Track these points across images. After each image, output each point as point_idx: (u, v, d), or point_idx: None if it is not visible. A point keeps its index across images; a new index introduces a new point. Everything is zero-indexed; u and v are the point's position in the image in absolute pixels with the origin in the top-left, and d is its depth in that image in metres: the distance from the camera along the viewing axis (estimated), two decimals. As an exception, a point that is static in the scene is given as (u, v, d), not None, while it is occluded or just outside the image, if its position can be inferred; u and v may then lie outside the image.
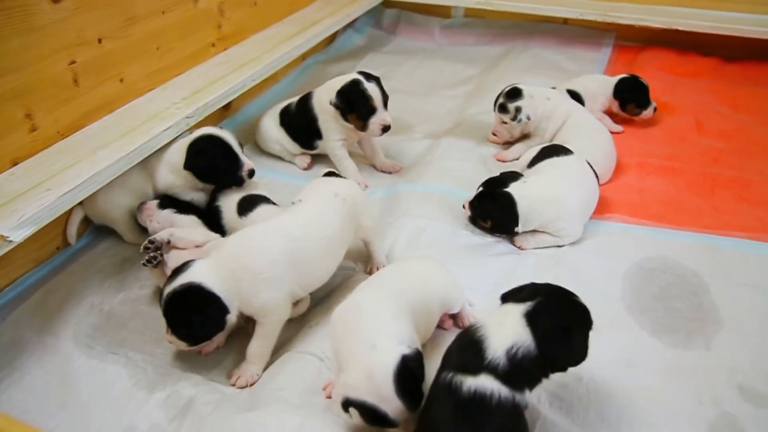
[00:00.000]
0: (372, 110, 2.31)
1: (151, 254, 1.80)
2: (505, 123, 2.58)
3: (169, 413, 1.55)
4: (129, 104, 2.30)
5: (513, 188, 2.08)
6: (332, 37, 3.75)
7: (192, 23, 2.60)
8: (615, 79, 2.87)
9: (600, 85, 2.87)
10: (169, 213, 2.03)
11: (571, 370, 1.62)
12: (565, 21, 3.78)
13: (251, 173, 2.11)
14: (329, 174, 1.97)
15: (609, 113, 2.88)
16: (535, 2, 3.61)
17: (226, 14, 2.80)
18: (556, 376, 1.58)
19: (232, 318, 1.61)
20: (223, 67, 2.65)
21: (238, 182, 2.10)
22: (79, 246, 2.16)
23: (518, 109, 2.52)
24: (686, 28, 3.35)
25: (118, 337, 1.79)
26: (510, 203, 2.05)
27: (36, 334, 1.79)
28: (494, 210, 2.10)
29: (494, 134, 2.65)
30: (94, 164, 1.92)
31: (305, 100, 2.52)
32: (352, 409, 1.36)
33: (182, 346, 1.61)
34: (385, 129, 2.33)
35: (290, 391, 1.58)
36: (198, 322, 1.58)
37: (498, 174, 2.21)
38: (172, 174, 2.12)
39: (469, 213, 2.18)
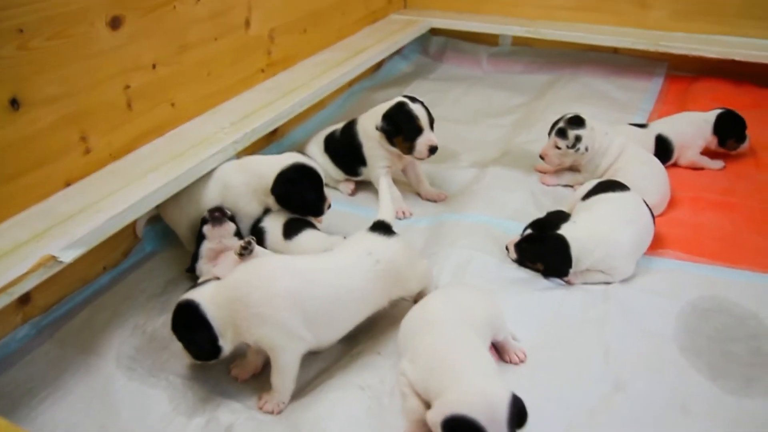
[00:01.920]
0: (418, 131, 2.29)
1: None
2: (559, 149, 2.47)
3: (208, 439, 1.54)
4: (179, 128, 2.34)
5: (564, 229, 2.02)
6: (379, 64, 3.77)
7: (242, 49, 2.65)
8: (712, 117, 2.74)
9: (697, 128, 2.73)
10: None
11: (622, 408, 1.58)
12: (615, 50, 3.71)
13: (329, 206, 2.14)
14: (377, 225, 1.83)
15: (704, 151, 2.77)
16: (584, 31, 3.57)
17: (276, 41, 2.85)
18: (601, 416, 1.52)
19: (226, 346, 1.59)
20: (271, 93, 2.68)
21: (319, 213, 2.12)
22: (125, 266, 2.19)
23: (578, 138, 2.44)
24: (742, 59, 3.26)
25: (160, 359, 1.79)
26: (563, 247, 1.98)
27: (80, 353, 1.81)
28: (546, 253, 2.03)
29: (542, 157, 2.54)
30: (144, 187, 1.95)
31: (350, 127, 2.53)
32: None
33: (189, 359, 1.64)
34: (432, 150, 2.30)
35: (329, 421, 1.55)
36: (188, 340, 1.61)
37: (545, 214, 2.17)
38: (251, 195, 2.12)
39: (514, 255, 2.12)
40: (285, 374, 1.61)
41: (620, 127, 2.76)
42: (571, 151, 2.44)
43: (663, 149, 2.67)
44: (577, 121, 2.46)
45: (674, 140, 2.71)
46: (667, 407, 1.60)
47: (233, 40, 2.58)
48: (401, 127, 2.31)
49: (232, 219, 2.04)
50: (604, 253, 2.00)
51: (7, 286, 1.56)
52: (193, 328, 1.59)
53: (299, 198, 2.09)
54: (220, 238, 1.99)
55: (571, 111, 2.51)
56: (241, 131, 2.32)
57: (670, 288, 2.00)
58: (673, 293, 1.97)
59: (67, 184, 1.97)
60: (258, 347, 1.62)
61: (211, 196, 2.14)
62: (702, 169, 2.73)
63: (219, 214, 1.99)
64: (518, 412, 1.35)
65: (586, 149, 2.43)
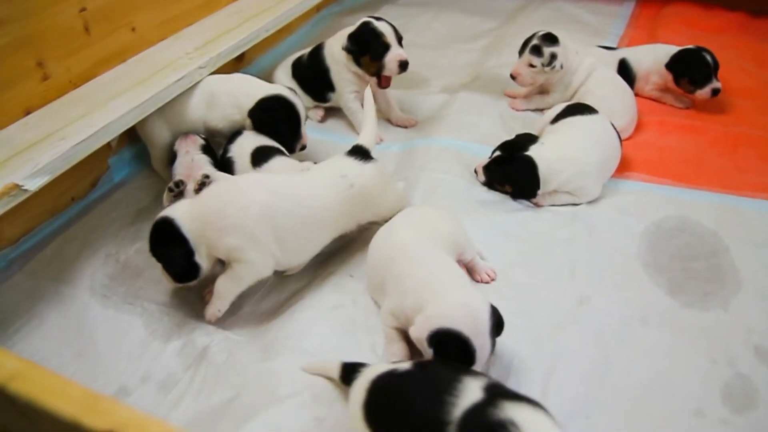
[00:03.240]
0: (386, 47, 2.26)
1: (174, 197, 1.81)
2: (534, 67, 2.41)
3: (185, 362, 1.57)
4: (141, 54, 2.26)
5: (532, 151, 2.03)
6: (347, -12, 3.66)
7: (204, -29, 2.54)
8: (670, 51, 2.62)
9: (656, 61, 2.64)
10: (205, 160, 2.00)
11: (586, 321, 1.65)
12: (587, -27, 3.64)
13: (303, 148, 2.13)
14: (355, 149, 1.81)
15: (669, 90, 2.66)
16: (556, -48, 3.49)
17: (239, -38, 2.73)
18: (567, 328, 1.59)
19: (202, 262, 1.60)
20: (236, 17, 2.59)
21: (290, 151, 2.10)
22: (94, 196, 2.16)
23: (554, 56, 2.38)
24: (713, -19, 3.24)
25: (134, 287, 1.79)
26: (531, 167, 2.00)
27: (52, 283, 1.80)
28: (515, 174, 2.05)
29: (513, 77, 2.46)
30: (108, 114, 1.89)
31: (317, 51, 2.47)
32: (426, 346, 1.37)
33: (170, 282, 1.65)
34: (403, 65, 2.26)
35: (303, 340, 1.59)
36: (165, 258, 1.62)
37: (513, 136, 2.17)
38: (234, 109, 2.11)
39: (483, 177, 2.14)
40: (236, 284, 1.62)
41: (588, 48, 2.74)
42: (547, 68, 2.40)
43: (625, 75, 2.62)
44: (550, 38, 2.41)
45: (636, 68, 2.68)
46: (627, 320, 1.67)
47: (194, -40, 2.47)
48: (367, 46, 2.26)
49: (207, 146, 2.07)
50: (571, 174, 2.03)
51: (-29, 216, 1.53)
52: (169, 244, 1.60)
53: (273, 130, 2.08)
54: (187, 149, 2.02)
55: (543, 30, 2.47)
56: (207, 56, 2.24)
57: (635, 209, 2.05)
58: (639, 214, 2.02)
59: (27, 112, 1.91)
60: (224, 258, 1.62)
61: (196, 105, 2.14)
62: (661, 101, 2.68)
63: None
64: (497, 321, 1.41)
65: (561, 66, 2.40)
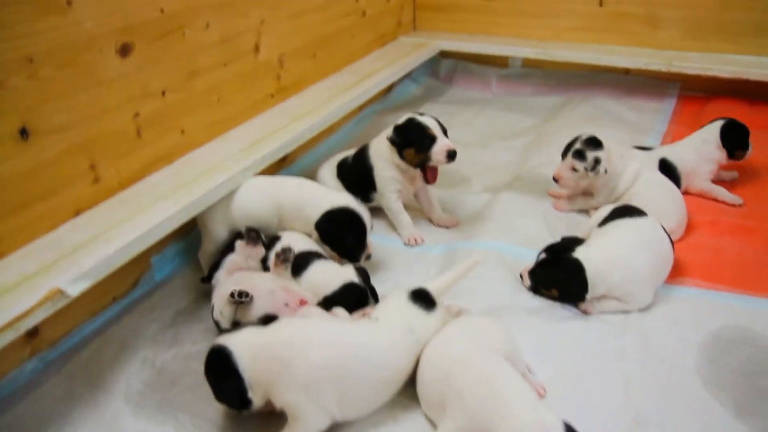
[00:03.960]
0: (432, 139, 2.28)
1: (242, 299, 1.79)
2: (576, 171, 2.37)
3: (216, 482, 1.50)
4: (188, 155, 2.32)
5: (579, 253, 1.97)
6: (389, 88, 3.76)
7: (252, 75, 2.64)
8: (714, 133, 2.63)
9: (698, 151, 2.63)
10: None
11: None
12: (627, 71, 3.69)
13: (368, 257, 2.15)
14: (418, 295, 1.73)
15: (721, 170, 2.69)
16: (595, 52, 3.55)
17: (286, 65, 2.84)
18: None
19: (255, 400, 1.53)
20: (281, 118, 2.66)
21: (354, 261, 2.11)
22: (134, 296, 2.16)
23: (597, 160, 2.33)
24: (756, 78, 3.22)
25: (168, 395, 1.75)
26: (578, 270, 1.94)
27: (88, 388, 1.77)
28: (561, 278, 1.99)
29: (556, 180, 2.42)
30: (152, 217, 1.92)
31: (362, 151, 2.51)
32: None
33: (220, 402, 1.58)
34: (451, 155, 2.28)
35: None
36: (217, 388, 1.57)
37: (559, 239, 2.12)
38: (300, 221, 2.15)
39: (528, 282, 2.07)
40: None
41: (629, 150, 2.71)
42: (590, 173, 2.35)
43: (669, 176, 2.54)
44: (594, 143, 2.37)
45: (679, 166, 2.62)
46: (692, 445, 1.54)
47: (242, 66, 2.57)
48: (413, 139, 2.29)
49: (265, 245, 2.08)
50: (620, 278, 1.95)
51: (13, 321, 1.52)
52: (222, 377, 1.55)
53: (340, 241, 2.11)
54: (247, 257, 2.03)
55: (584, 132, 2.46)
56: (251, 158, 2.29)
57: (691, 317, 1.94)
58: (695, 323, 1.92)
59: (76, 214, 1.95)
60: (282, 410, 1.54)
61: (264, 212, 2.19)
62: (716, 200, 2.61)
63: (255, 235, 2.05)
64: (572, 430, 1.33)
65: (606, 171, 2.35)
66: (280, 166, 2.76)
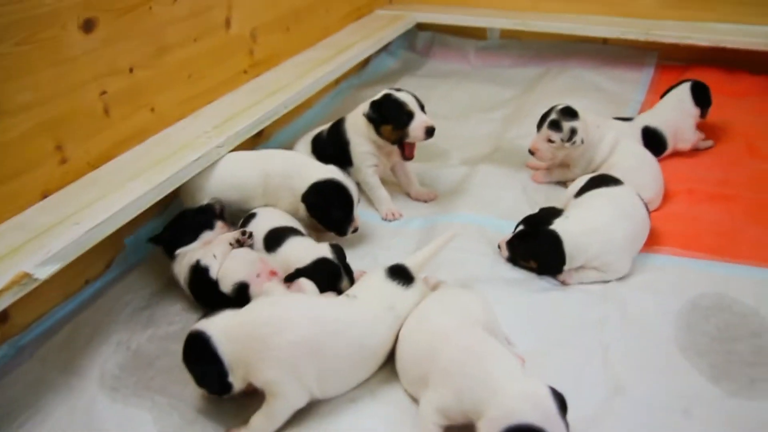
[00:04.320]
0: (409, 115, 2.25)
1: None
2: (552, 142, 2.33)
3: (195, 462, 1.48)
4: (160, 134, 2.27)
5: (557, 225, 1.97)
6: (365, 62, 3.70)
7: (224, 50, 2.58)
8: (686, 92, 2.74)
9: (679, 109, 2.71)
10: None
11: (623, 413, 1.53)
12: (605, 41, 3.67)
13: (355, 230, 2.12)
14: (396, 270, 1.72)
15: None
16: (573, 22, 3.52)
17: (259, 40, 2.77)
18: (604, 421, 1.47)
19: (236, 383, 1.51)
20: (255, 94, 2.60)
21: (341, 234, 2.11)
22: (108, 278, 2.12)
23: (573, 131, 2.30)
24: (734, 46, 3.21)
25: (145, 377, 1.72)
26: (556, 242, 1.93)
27: (61, 373, 1.73)
28: (539, 250, 1.98)
29: (532, 152, 2.39)
30: (124, 196, 1.88)
31: (337, 125, 2.46)
32: None
33: (200, 387, 1.56)
34: (429, 131, 2.25)
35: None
36: (197, 374, 1.54)
37: (537, 210, 2.10)
38: (287, 193, 2.12)
39: (506, 253, 2.07)
40: (273, 421, 1.51)
41: (606, 120, 2.70)
42: (567, 144, 2.32)
43: (655, 141, 2.61)
44: (570, 112, 2.34)
45: (665, 130, 2.66)
46: (668, 411, 1.55)
47: (214, 41, 2.51)
48: (390, 115, 2.26)
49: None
50: (598, 249, 1.95)
51: (-21, 307, 1.49)
52: (202, 362, 1.52)
53: (326, 214, 2.09)
54: (217, 236, 1.99)
55: (561, 102, 2.43)
56: (225, 134, 2.25)
57: (669, 286, 1.95)
58: (673, 291, 1.92)
59: (44, 196, 1.89)
60: (261, 388, 1.52)
61: (251, 179, 2.16)
62: (698, 149, 2.74)
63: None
64: (561, 402, 1.33)
65: (582, 141, 2.32)
66: (255, 142, 2.71)
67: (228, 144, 2.24)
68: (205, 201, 2.15)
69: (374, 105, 2.29)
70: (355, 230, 2.12)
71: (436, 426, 1.44)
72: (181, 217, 2.06)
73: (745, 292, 1.91)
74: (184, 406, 1.62)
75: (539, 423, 1.26)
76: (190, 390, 1.65)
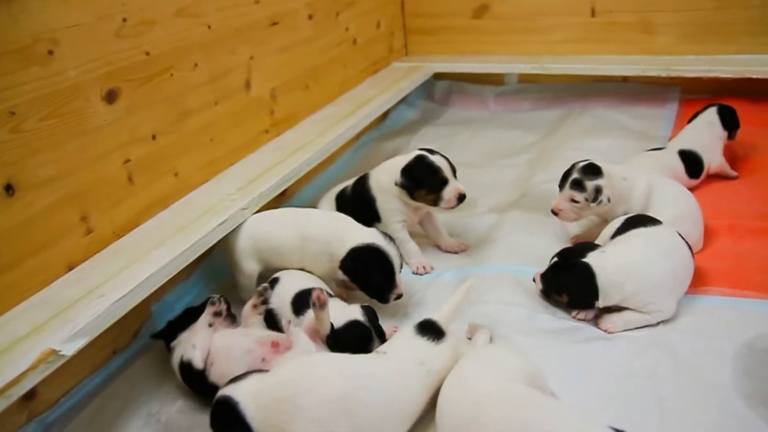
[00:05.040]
0: (443, 181, 2.21)
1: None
2: (577, 202, 2.19)
3: None
4: (183, 199, 2.26)
5: (591, 258, 1.90)
6: (385, 114, 3.71)
7: (244, 112, 2.59)
8: (713, 115, 2.75)
9: (709, 131, 2.72)
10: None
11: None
12: (625, 79, 3.63)
13: (399, 297, 2.02)
14: (425, 326, 1.67)
15: None
16: (591, 63, 3.50)
17: (278, 99, 2.79)
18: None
19: None
20: (277, 153, 2.60)
21: (383, 302, 2.02)
22: (135, 348, 2.07)
23: (599, 190, 2.14)
24: (758, 76, 3.15)
25: (176, 452, 1.65)
26: (588, 275, 1.86)
27: (91, 451, 1.68)
28: (571, 283, 1.91)
29: (555, 213, 2.25)
30: (149, 266, 1.84)
31: (362, 182, 2.43)
32: None
33: None
34: (461, 198, 2.22)
35: None
36: None
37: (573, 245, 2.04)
38: (325, 257, 2.06)
39: (540, 286, 2.00)
40: None
41: (640, 156, 2.65)
42: (593, 204, 2.17)
43: (693, 163, 2.63)
44: (593, 170, 2.18)
45: (700, 151, 2.65)
46: (739, 470, 1.43)
47: (234, 103, 2.52)
48: (424, 181, 2.22)
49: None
50: (636, 287, 1.86)
51: (6, 388, 1.44)
52: (230, 429, 1.47)
53: (366, 280, 2.01)
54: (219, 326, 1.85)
55: (583, 149, 2.39)
56: (249, 196, 2.23)
57: (720, 328, 1.84)
58: (726, 334, 1.81)
59: (69, 268, 1.87)
60: None
61: (288, 242, 2.10)
62: (726, 176, 2.73)
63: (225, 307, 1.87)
64: None
65: (609, 200, 2.17)
66: (279, 201, 2.69)
67: (252, 206, 2.21)
68: (250, 264, 2.14)
69: (406, 171, 2.24)
70: (399, 297, 2.01)
71: None
72: (183, 313, 1.98)
73: (804, 331, 1.79)
74: (217, 483, 1.54)
75: None
76: (223, 465, 1.57)
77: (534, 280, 2.04)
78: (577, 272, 1.90)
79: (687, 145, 2.65)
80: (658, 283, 1.89)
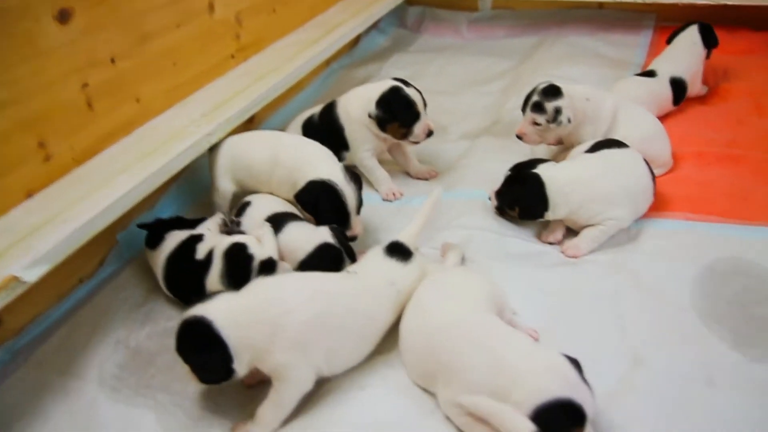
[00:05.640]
0: (416, 116, 2.18)
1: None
2: (538, 125, 2.20)
3: (202, 461, 1.42)
4: (147, 125, 2.18)
5: (541, 169, 1.93)
6: (356, 40, 3.61)
7: (209, 35, 2.48)
8: (696, 35, 2.75)
9: (695, 53, 2.73)
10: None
11: (643, 386, 1.48)
12: (600, 5, 3.58)
13: (352, 239, 1.95)
14: (394, 247, 1.70)
15: None
16: (567, -13, 3.42)
17: (244, 23, 2.68)
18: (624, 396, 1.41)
19: (240, 370, 1.44)
20: (243, 79, 2.52)
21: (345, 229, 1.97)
22: (102, 276, 2.05)
23: (558, 110, 2.15)
24: (734, 2, 3.12)
25: (146, 375, 1.66)
26: (538, 184, 1.90)
27: (59, 376, 1.67)
28: (522, 193, 1.95)
29: (519, 137, 2.26)
30: (112, 192, 1.80)
31: (329, 110, 2.38)
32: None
33: (194, 380, 1.47)
34: (430, 134, 2.22)
35: (333, 428, 1.44)
36: (198, 363, 1.44)
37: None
38: (288, 186, 2.01)
39: (495, 203, 2.03)
40: (282, 409, 1.46)
41: (629, 81, 2.65)
42: (552, 125, 2.18)
43: (680, 91, 2.65)
44: (552, 92, 2.17)
45: (687, 78, 2.66)
46: (691, 381, 1.50)
47: (198, 26, 2.41)
48: (398, 114, 2.19)
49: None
50: (580, 197, 1.90)
51: (-34, 315, 1.42)
52: (205, 349, 1.43)
53: (317, 216, 1.95)
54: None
55: (560, 72, 2.34)
56: (214, 122, 2.17)
57: (683, 252, 1.89)
58: (687, 257, 1.86)
59: (29, 195, 1.81)
60: (269, 374, 1.47)
61: (260, 164, 2.08)
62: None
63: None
64: (578, 366, 1.33)
65: (569, 120, 2.17)
66: (247, 128, 2.61)
67: (218, 132, 2.16)
68: (218, 179, 2.14)
69: (382, 103, 2.20)
70: (353, 239, 1.96)
71: (464, 416, 1.38)
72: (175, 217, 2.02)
73: (761, 254, 1.84)
74: (188, 403, 1.57)
75: (565, 394, 1.24)
76: (193, 387, 1.59)
77: (490, 199, 2.06)
78: (528, 182, 1.93)
79: (678, 72, 2.64)
80: (604, 194, 1.92)
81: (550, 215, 1.92)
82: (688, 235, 1.95)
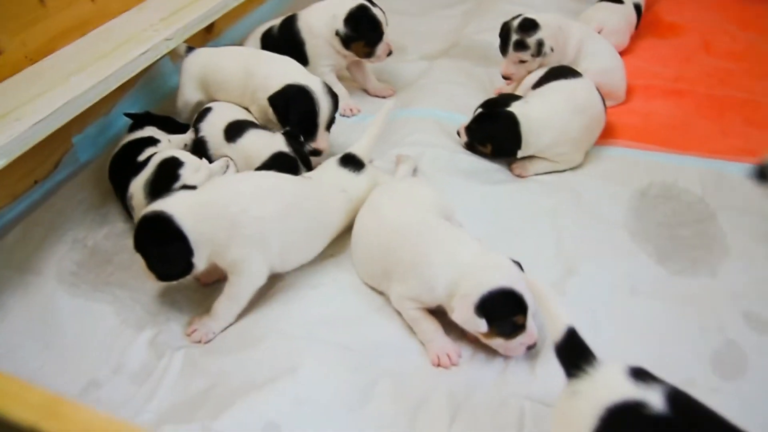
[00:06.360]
0: (381, 36, 2.22)
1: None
2: (524, 62, 2.20)
3: (159, 351, 1.49)
4: (103, 26, 2.14)
5: (515, 108, 1.97)
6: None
7: (167, -64, 2.40)
8: None
9: None
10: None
11: (574, 293, 1.62)
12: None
13: (315, 153, 1.96)
14: (347, 159, 1.78)
15: None
16: None
17: (204, -75, 2.58)
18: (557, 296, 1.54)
19: (199, 264, 1.49)
20: (204, -16, 2.46)
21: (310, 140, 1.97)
22: (58, 178, 2.05)
23: (540, 43, 2.16)
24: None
25: (104, 273, 1.71)
26: (513, 123, 1.94)
27: (16, 272, 1.70)
28: (495, 131, 1.99)
29: (506, 78, 2.27)
30: (68, 91, 1.78)
31: (289, 24, 2.36)
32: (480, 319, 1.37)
33: (152, 279, 1.51)
34: (389, 54, 2.27)
35: (281, 322, 1.54)
36: (159, 257, 1.48)
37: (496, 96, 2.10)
38: (262, 94, 1.99)
39: (465, 139, 2.07)
40: (236, 302, 1.54)
41: (601, 6, 2.70)
42: (539, 58, 2.19)
43: (640, 16, 2.76)
44: (530, 25, 2.18)
45: (642, 2, 2.77)
46: (617, 289, 1.64)
47: (155, -75, 2.33)
48: (365, 34, 2.22)
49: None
50: (551, 139, 1.97)
51: None
52: (166, 242, 1.46)
53: (285, 119, 1.94)
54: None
55: (519, 2, 2.36)
56: (173, 27, 2.13)
57: (621, 175, 2.01)
58: (624, 181, 1.99)
59: (-21, 91, 1.79)
60: (225, 268, 1.53)
61: (233, 77, 2.07)
62: None
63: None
64: (520, 268, 1.44)
65: (552, 50, 2.19)
66: (205, 39, 2.58)
67: (177, 37, 2.13)
68: (186, 87, 2.15)
69: (350, 21, 2.20)
70: (316, 153, 1.96)
71: (414, 310, 1.50)
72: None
73: (692, 181, 1.98)
74: (146, 299, 1.63)
75: (509, 285, 1.37)
76: (151, 285, 1.64)
77: (458, 134, 2.09)
78: (502, 121, 1.96)
79: None
80: (573, 137, 2.00)
81: (521, 153, 1.98)
82: (627, 161, 2.08)
